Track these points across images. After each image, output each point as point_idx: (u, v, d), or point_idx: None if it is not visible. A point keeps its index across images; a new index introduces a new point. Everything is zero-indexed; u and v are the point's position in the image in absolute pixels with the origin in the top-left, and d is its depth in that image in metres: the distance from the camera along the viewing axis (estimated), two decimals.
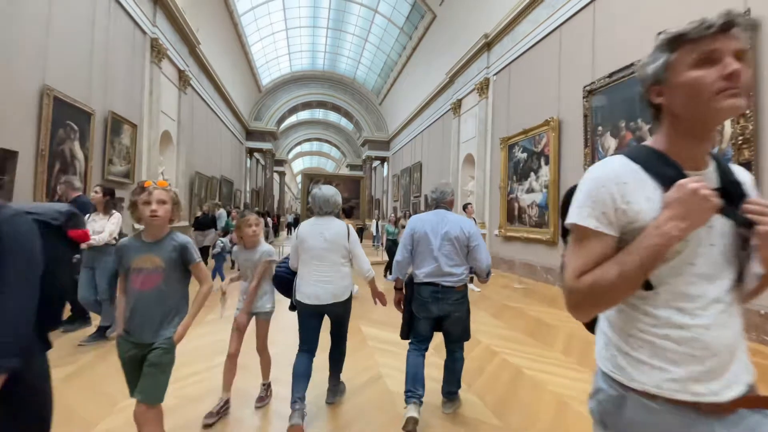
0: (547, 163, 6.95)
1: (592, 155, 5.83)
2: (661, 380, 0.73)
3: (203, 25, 10.46)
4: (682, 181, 0.70)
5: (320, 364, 2.46)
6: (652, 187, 0.75)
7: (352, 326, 2.67)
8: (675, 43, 0.76)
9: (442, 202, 2.45)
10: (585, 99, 5.99)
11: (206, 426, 2.12)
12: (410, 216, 9.45)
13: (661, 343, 0.74)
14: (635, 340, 0.77)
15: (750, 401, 0.73)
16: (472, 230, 2.33)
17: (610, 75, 5.52)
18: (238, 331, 2.40)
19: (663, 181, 0.74)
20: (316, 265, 2.29)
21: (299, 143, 28.38)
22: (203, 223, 7.23)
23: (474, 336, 2.97)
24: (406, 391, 2.22)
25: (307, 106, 20.64)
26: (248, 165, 19.49)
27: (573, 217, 0.81)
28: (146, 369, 1.55)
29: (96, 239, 3.29)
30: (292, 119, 24.41)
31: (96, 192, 3.46)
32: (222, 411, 2.24)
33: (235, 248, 2.51)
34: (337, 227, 2.36)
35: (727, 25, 0.71)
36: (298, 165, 38.70)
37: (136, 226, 1.69)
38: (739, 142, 3.98)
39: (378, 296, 2.45)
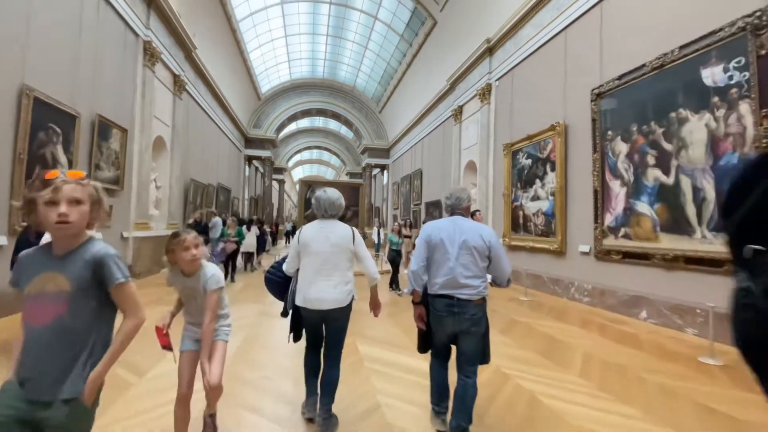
0: (553, 169, 6.67)
1: (602, 160, 5.56)
2: None
3: (200, 29, 10.30)
4: None
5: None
6: None
7: (346, 344, 2.39)
8: None
9: (458, 208, 2.28)
10: (593, 103, 5.73)
11: None
12: (411, 225, 9.14)
13: None
14: None
15: None
16: (492, 239, 2.16)
17: (620, 77, 5.28)
18: (188, 366, 1.91)
19: None
20: (319, 270, 2.20)
21: (299, 151, 28.25)
22: (196, 232, 6.94)
23: None
24: (432, 406, 2.21)
25: (306, 113, 20.51)
26: (247, 173, 19.26)
27: None
28: None
29: None
30: (292, 127, 24.29)
31: None
32: None
33: (166, 272, 1.99)
34: (343, 231, 2.29)
35: None
36: (298, 173, 38.53)
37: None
38: (763, 144, 3.70)
39: (375, 306, 2.37)
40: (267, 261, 10.51)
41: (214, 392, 1.85)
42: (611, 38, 5.61)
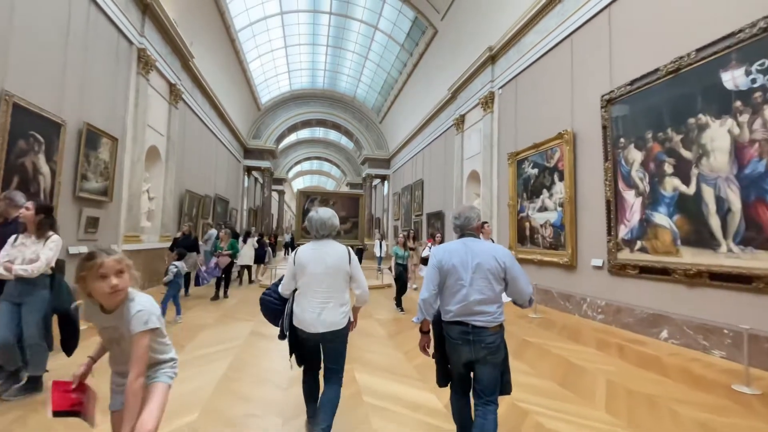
0: (561, 178, 6.39)
1: (614, 169, 5.27)
2: None
3: (198, 39, 10.17)
4: None
5: None
6: None
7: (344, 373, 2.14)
8: None
9: (467, 229, 2.15)
10: (603, 109, 5.48)
11: None
12: (415, 235, 8.81)
13: None
14: None
15: None
16: (507, 259, 2.03)
17: (632, 82, 5.04)
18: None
19: None
20: (315, 292, 2.19)
21: (299, 162, 28.12)
22: (183, 246, 6.59)
23: None
24: None
25: (306, 124, 20.38)
26: (246, 184, 19.03)
27: None
28: None
29: (27, 269, 2.66)
30: (292, 138, 24.18)
31: (27, 209, 2.82)
32: None
33: (78, 307, 1.60)
34: (339, 251, 2.27)
35: None
36: (299, 184, 38.40)
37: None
38: None
39: (352, 325, 2.36)
40: (265, 274, 10.16)
41: None
42: (621, 43, 5.39)
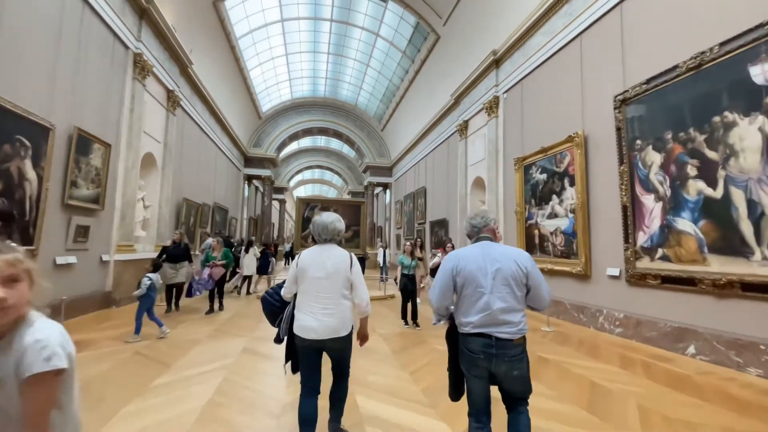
0: (572, 183, 6.10)
1: (631, 173, 4.98)
2: None
3: (197, 45, 10.04)
4: None
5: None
6: None
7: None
8: None
9: (485, 229, 2.02)
10: (617, 110, 5.22)
11: None
12: (422, 244, 8.39)
13: None
14: None
15: None
16: (529, 264, 1.89)
17: (648, 81, 4.78)
18: None
19: None
20: (316, 297, 2.14)
21: (300, 171, 27.98)
22: (175, 255, 6.29)
23: None
24: None
25: (308, 132, 20.24)
26: (246, 193, 18.82)
27: None
28: None
29: None
30: (293, 146, 24.07)
31: None
32: None
33: None
34: (340, 257, 2.23)
35: None
36: (300, 193, 38.25)
37: None
38: None
39: (363, 338, 2.33)
40: (263, 285, 9.83)
41: None
42: (634, 41, 5.15)
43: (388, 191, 20.84)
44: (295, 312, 2.17)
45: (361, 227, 11.35)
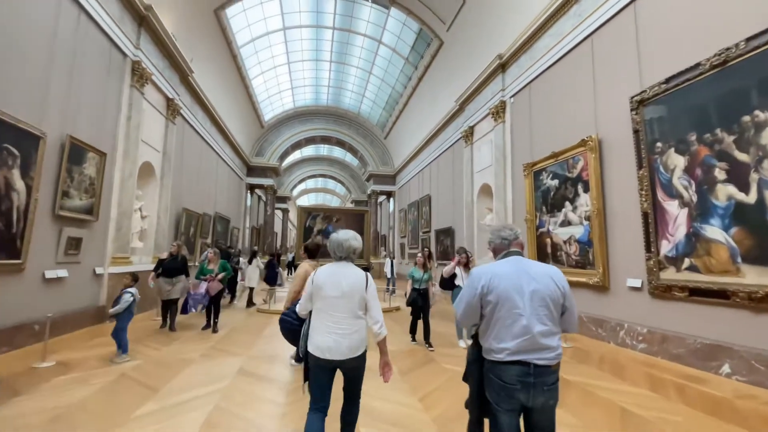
0: (586, 189, 5.80)
1: (651, 177, 4.68)
2: None
3: (199, 54, 9.93)
4: None
5: None
6: None
7: None
8: None
9: (515, 242, 1.89)
10: (633, 112, 4.94)
11: None
12: (430, 253, 7.93)
13: None
14: None
15: None
16: (566, 283, 1.79)
17: (667, 80, 4.50)
18: None
19: None
20: (331, 316, 2.14)
21: (303, 180, 27.87)
22: (171, 268, 5.99)
23: None
24: None
25: (310, 141, 20.13)
26: (249, 202, 18.65)
27: None
28: None
29: None
30: (296, 155, 23.99)
31: None
32: None
33: None
34: (356, 276, 2.21)
35: None
36: (303, 202, 38.17)
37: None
38: None
39: (386, 368, 2.19)
40: (259, 297, 9.53)
41: None
42: (650, 40, 4.90)
43: (391, 200, 20.60)
44: (310, 331, 2.17)
45: (365, 236, 11.07)
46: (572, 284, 5.80)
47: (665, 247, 4.51)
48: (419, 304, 5.47)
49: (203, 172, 11.55)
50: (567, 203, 6.23)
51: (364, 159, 20.50)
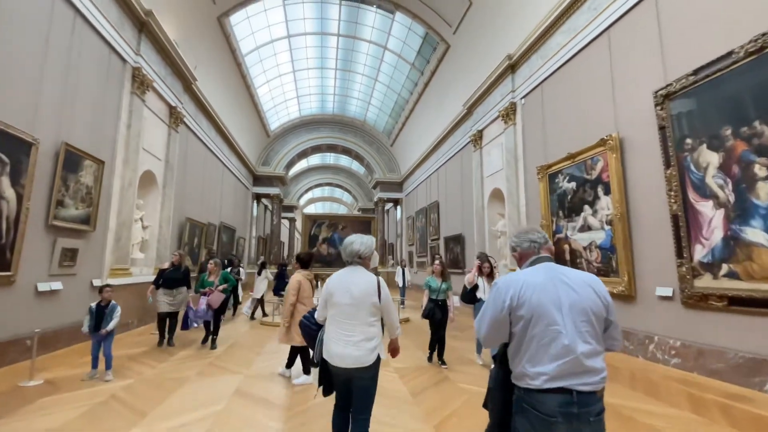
0: (607, 192, 5.44)
1: (681, 177, 4.31)
2: None
3: (202, 61, 9.85)
4: None
5: None
6: None
7: None
8: None
9: (545, 247, 1.63)
10: (659, 107, 4.60)
11: None
12: (441, 260, 7.47)
13: None
14: None
15: None
16: (607, 294, 1.53)
17: (696, 72, 4.17)
18: None
19: None
20: (340, 323, 2.12)
21: (310, 188, 27.78)
22: (172, 279, 5.71)
23: None
24: None
25: (316, 150, 20.02)
26: (255, 212, 18.51)
27: None
28: None
29: None
30: (302, 164, 23.92)
31: None
32: None
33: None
34: (366, 282, 2.17)
35: None
36: (310, 211, 38.10)
37: None
38: None
39: (394, 351, 2.34)
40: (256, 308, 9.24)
41: None
42: (674, 30, 4.58)
43: (398, 207, 20.31)
44: (325, 338, 2.18)
45: None
46: None
47: (699, 252, 4.12)
48: (438, 317, 4.92)
49: (208, 181, 11.41)
50: (586, 207, 5.87)
51: (370, 166, 20.31)
